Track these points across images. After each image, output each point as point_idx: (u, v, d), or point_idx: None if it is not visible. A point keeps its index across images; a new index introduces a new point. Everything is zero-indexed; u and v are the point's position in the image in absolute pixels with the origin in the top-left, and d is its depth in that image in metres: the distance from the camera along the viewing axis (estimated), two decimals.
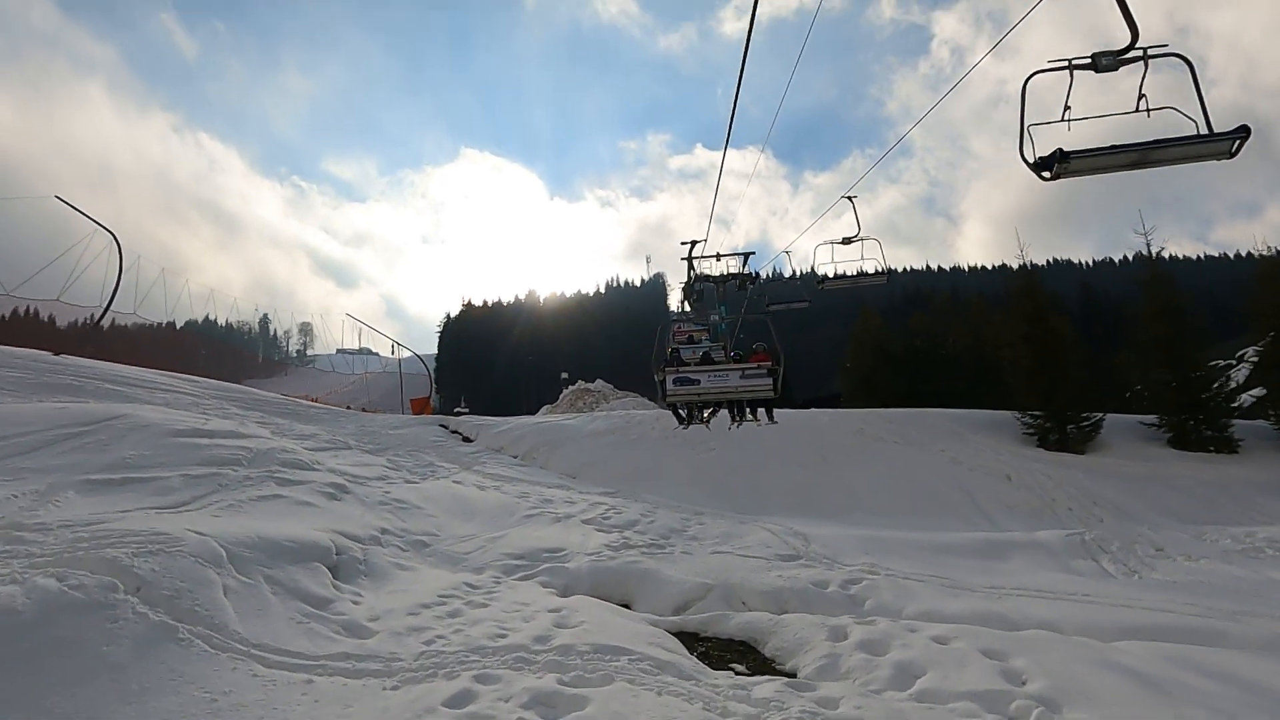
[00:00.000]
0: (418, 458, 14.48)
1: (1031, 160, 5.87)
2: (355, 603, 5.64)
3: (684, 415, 16.12)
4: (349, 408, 23.65)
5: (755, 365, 14.91)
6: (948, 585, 7.17)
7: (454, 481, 12.48)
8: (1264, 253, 19.99)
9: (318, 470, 9.82)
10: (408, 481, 11.62)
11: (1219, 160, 6.38)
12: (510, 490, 12.22)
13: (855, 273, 13.74)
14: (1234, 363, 29.48)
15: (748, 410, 15.80)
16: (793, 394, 36.61)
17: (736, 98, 6.70)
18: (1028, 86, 5.90)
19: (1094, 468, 13.95)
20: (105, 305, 24.02)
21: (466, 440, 18.32)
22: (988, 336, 25.81)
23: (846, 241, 13.47)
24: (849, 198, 13.08)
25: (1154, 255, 17.10)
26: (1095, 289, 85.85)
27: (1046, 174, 6.09)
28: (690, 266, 25.97)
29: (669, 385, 14.53)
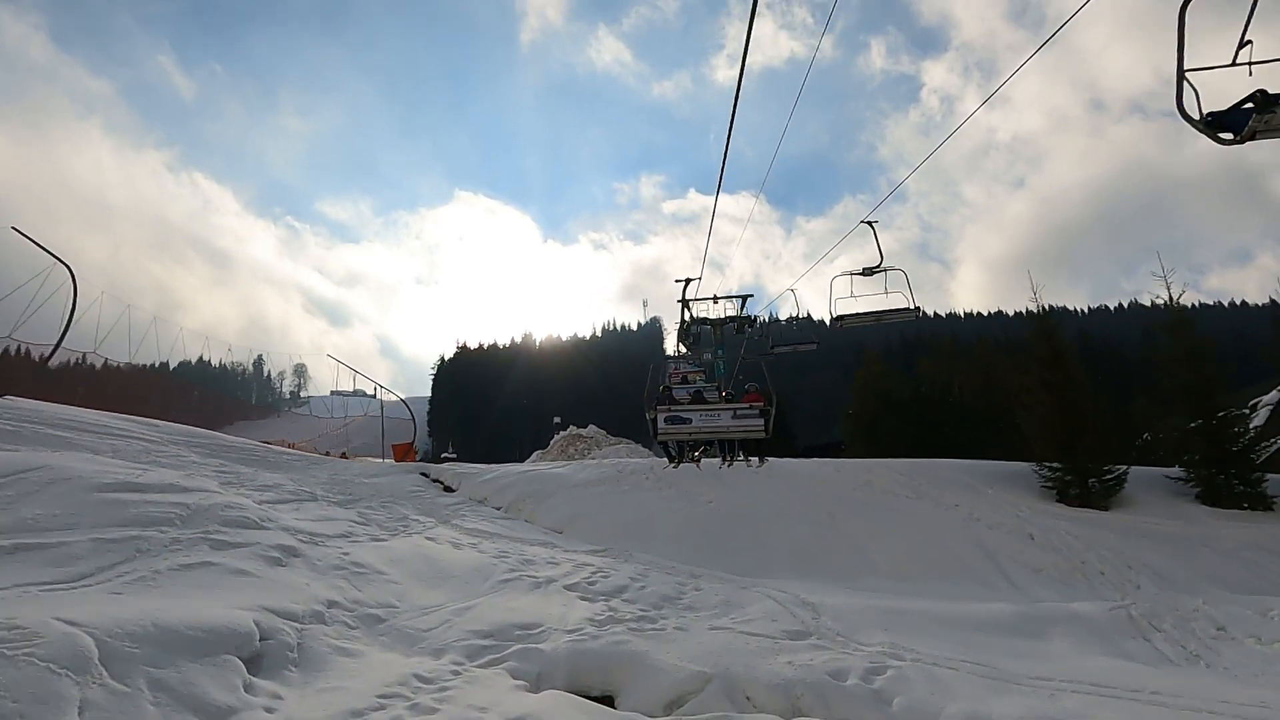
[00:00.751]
0: (391, 510, 13.37)
1: (1199, 117, 4.34)
2: (269, 710, 4.54)
3: (674, 454, 16.00)
4: (328, 454, 22.54)
5: (747, 405, 15.10)
6: (988, 676, 6.07)
7: (427, 538, 11.35)
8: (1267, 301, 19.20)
9: (266, 529, 8.73)
10: (375, 539, 10.49)
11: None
12: (488, 549, 11.10)
13: (879, 309, 12.81)
14: (1247, 411, 28.59)
15: (738, 450, 15.78)
16: (794, 440, 35.47)
17: (728, 144, 6.73)
18: (1186, 13, 4.22)
19: (1123, 526, 12.86)
20: (56, 342, 23.07)
21: (448, 490, 17.21)
22: (997, 382, 24.90)
23: (868, 272, 12.57)
24: (869, 223, 12.41)
25: (1174, 299, 16.19)
26: (1093, 336, 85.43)
27: (1228, 135, 4.48)
28: (685, 306, 25.06)
29: (660, 424, 14.48)
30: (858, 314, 12.82)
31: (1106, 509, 14.29)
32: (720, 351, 25.25)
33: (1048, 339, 16.51)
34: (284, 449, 19.31)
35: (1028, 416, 16.26)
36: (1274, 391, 25.73)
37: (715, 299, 28.13)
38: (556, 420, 46.51)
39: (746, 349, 24.33)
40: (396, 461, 21.66)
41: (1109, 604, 8.59)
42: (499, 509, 15.47)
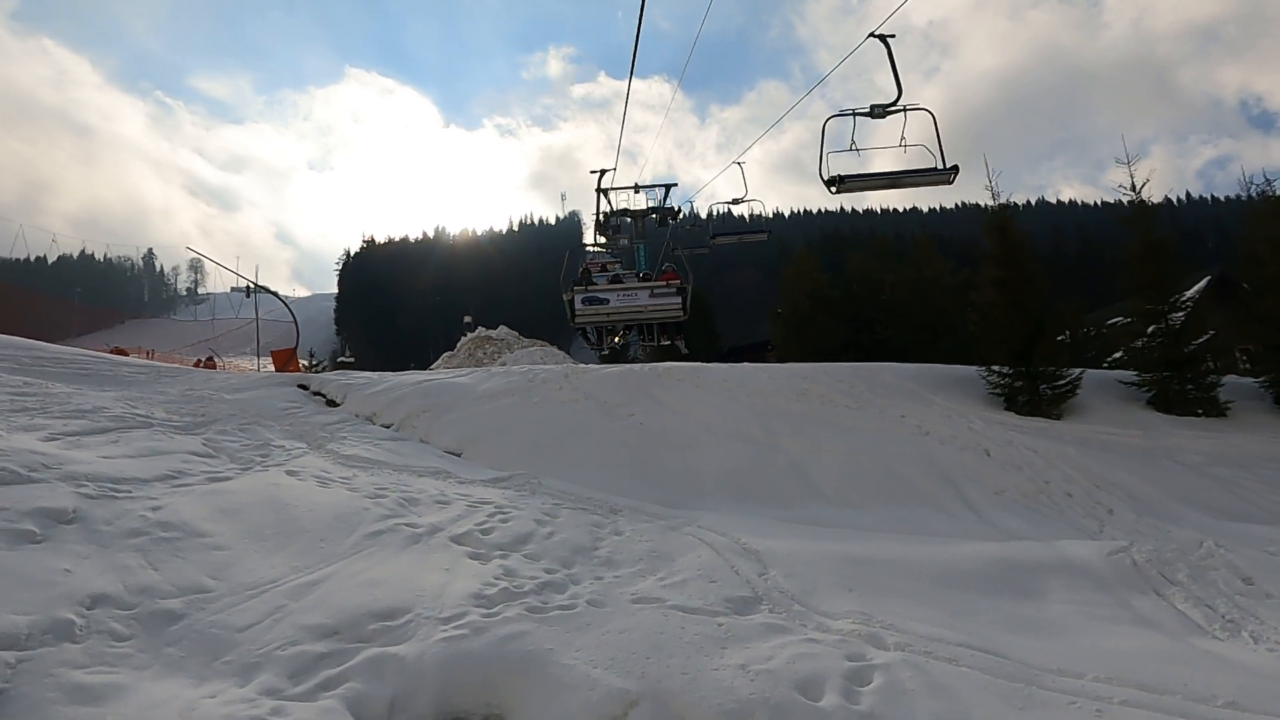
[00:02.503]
0: (251, 434, 11.14)
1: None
2: None
3: (593, 339, 17.07)
4: (198, 362, 19.69)
5: (664, 284, 15.53)
6: (1000, 674, 4.57)
7: (288, 472, 9.24)
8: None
9: (35, 482, 6.47)
10: (214, 479, 8.30)
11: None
12: (363, 483, 9.09)
13: (896, 168, 10.54)
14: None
15: (658, 333, 16.69)
16: (719, 340, 34.15)
17: (639, 30, 6.92)
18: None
19: (1081, 438, 11.84)
20: None
21: (331, 404, 14.96)
22: (931, 281, 23.78)
23: (878, 112, 10.09)
24: (882, 37, 9.74)
25: (1136, 188, 14.89)
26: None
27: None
28: (603, 195, 23.15)
29: (578, 305, 15.01)
30: (866, 176, 9.97)
31: (1058, 417, 13.28)
32: (642, 245, 23.52)
33: (1001, 232, 15.04)
34: (135, 358, 16.47)
35: (977, 318, 14.97)
36: (1196, 287, 25.39)
37: (636, 188, 25.96)
38: (467, 320, 43.70)
39: (674, 241, 22.83)
40: (276, 371, 19.08)
41: (1104, 545, 7.34)
42: (389, 426, 13.41)
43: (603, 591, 6.13)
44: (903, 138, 9.51)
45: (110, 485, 7.06)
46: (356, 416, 13.97)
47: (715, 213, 19.72)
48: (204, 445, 9.97)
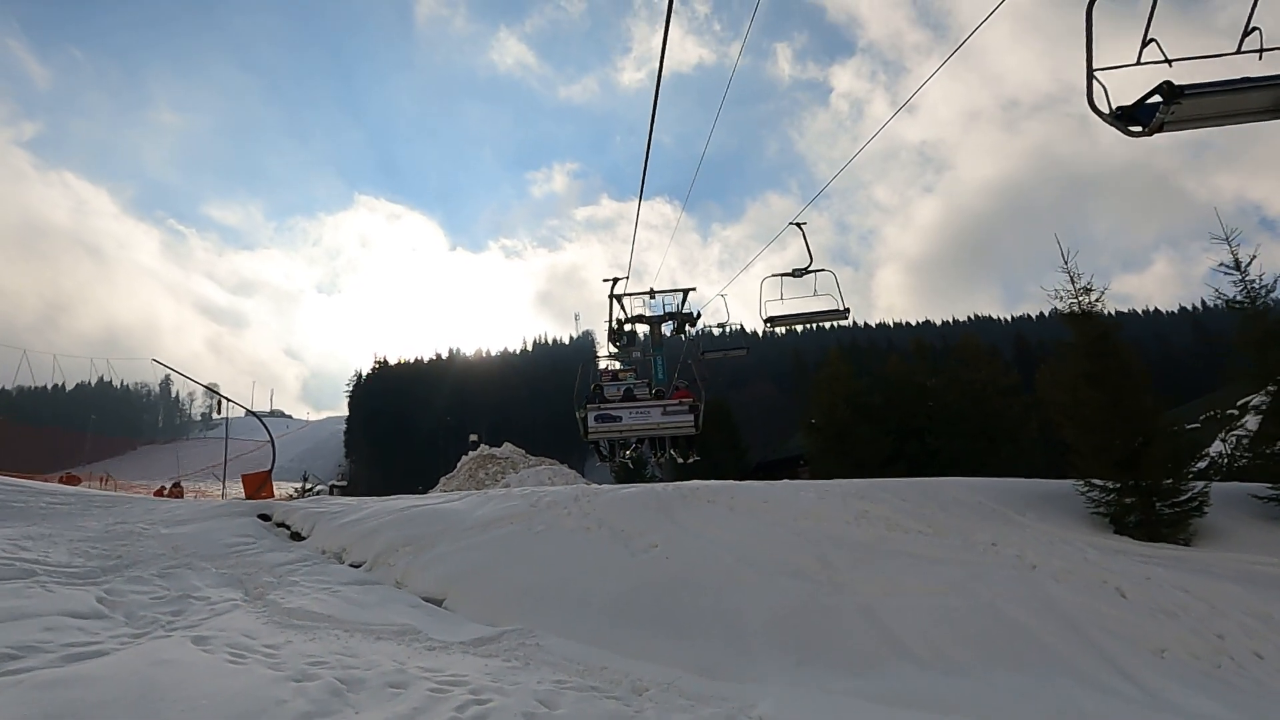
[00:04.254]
0: (174, 582, 8.78)
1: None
2: None
3: (605, 452, 16.94)
4: (160, 490, 17.44)
5: (677, 401, 15.44)
6: None
7: (195, 639, 6.81)
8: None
9: None
10: (74, 657, 5.90)
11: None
12: (295, 652, 6.62)
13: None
14: (1235, 413, 26.00)
15: (669, 446, 16.74)
16: (746, 455, 31.50)
17: (648, 151, 7.37)
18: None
19: (1242, 572, 9.14)
20: None
21: (296, 538, 12.62)
22: (977, 386, 21.49)
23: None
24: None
25: (1241, 266, 12.69)
26: (1030, 342, 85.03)
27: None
28: (616, 301, 22.24)
29: (591, 421, 14.74)
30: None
31: (1186, 543, 10.68)
32: (660, 357, 21.72)
33: (1090, 321, 12.80)
34: (72, 488, 14.25)
35: (1074, 420, 12.51)
36: (1260, 395, 23.04)
37: (651, 293, 24.26)
38: (473, 438, 41.05)
39: (691, 351, 21.28)
40: (248, 496, 16.77)
41: None
42: (360, 566, 11.01)
43: None
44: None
45: None
46: (322, 553, 11.59)
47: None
48: (99, 600, 7.60)
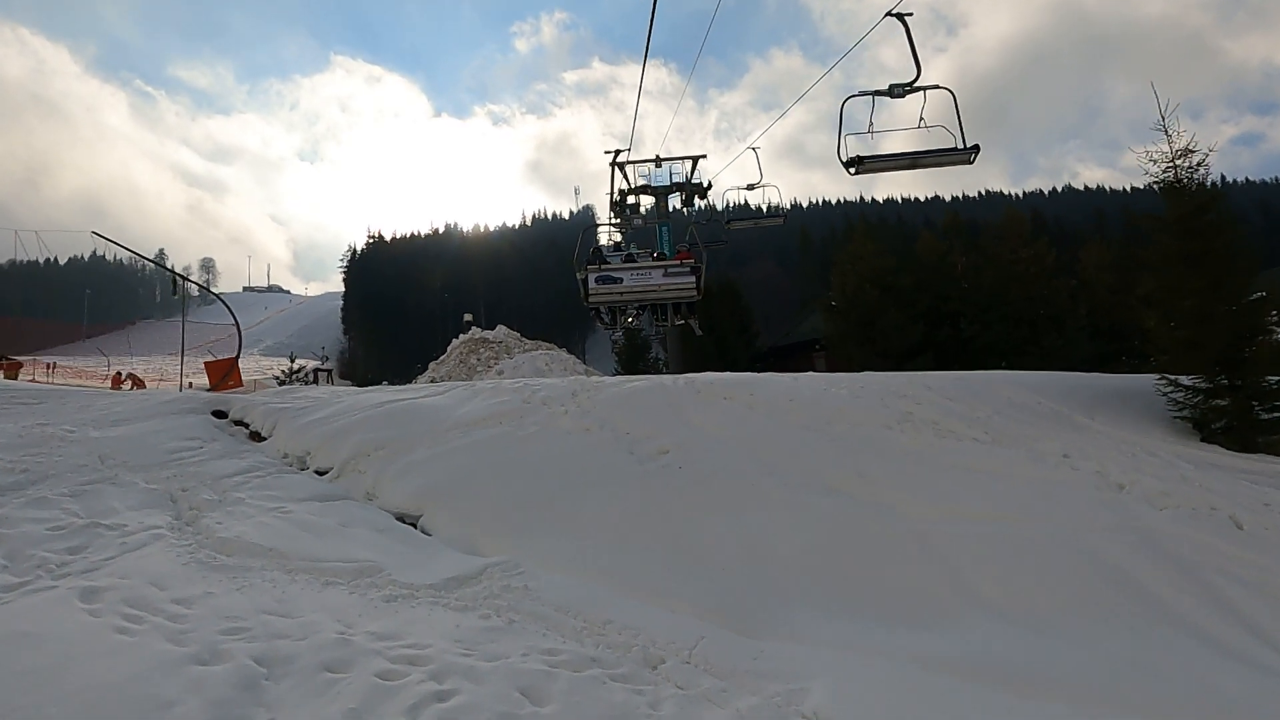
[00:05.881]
0: (87, 503, 7.28)
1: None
2: None
3: (607, 319, 17.17)
4: (117, 377, 15.85)
5: (678, 263, 15.54)
6: None
7: (83, 592, 5.33)
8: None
9: None
10: None
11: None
12: (212, 611, 5.16)
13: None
14: None
15: (672, 313, 16.92)
16: (756, 339, 29.80)
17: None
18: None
19: None
20: None
21: (256, 438, 11.13)
22: (1028, 263, 19.49)
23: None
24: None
25: None
26: (1048, 218, 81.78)
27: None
28: (618, 170, 21.03)
29: (591, 284, 15.03)
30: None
31: None
32: (665, 228, 20.09)
33: (1184, 192, 10.70)
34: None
35: (1162, 307, 10.65)
36: None
37: (658, 161, 22.11)
38: (468, 318, 39.04)
39: (699, 222, 20.01)
40: (212, 386, 15.21)
41: None
42: (325, 474, 9.52)
43: None
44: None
45: None
46: (284, 458, 10.10)
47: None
48: None
